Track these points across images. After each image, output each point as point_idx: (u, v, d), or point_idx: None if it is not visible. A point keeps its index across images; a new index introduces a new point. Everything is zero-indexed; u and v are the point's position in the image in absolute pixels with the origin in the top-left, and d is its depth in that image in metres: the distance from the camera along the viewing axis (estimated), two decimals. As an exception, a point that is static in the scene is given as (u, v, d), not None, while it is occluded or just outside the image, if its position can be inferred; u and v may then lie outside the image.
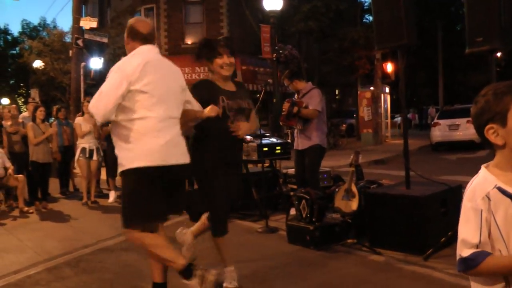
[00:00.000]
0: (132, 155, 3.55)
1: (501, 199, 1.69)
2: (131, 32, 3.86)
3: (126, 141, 3.58)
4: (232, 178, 4.35)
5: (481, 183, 1.76)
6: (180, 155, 3.73)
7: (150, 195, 3.56)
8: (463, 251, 1.71)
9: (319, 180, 7.23)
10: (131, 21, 3.96)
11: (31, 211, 9.12)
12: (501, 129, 1.73)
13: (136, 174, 3.53)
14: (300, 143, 6.94)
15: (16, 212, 9.15)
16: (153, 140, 3.55)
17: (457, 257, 1.75)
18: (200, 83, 4.41)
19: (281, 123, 7.15)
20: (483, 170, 1.83)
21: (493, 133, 1.75)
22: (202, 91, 4.24)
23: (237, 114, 4.26)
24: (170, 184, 3.71)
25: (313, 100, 6.83)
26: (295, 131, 7.06)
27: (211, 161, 4.20)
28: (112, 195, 9.98)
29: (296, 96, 7.07)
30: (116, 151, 3.67)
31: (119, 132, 3.64)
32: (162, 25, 26.17)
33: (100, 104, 3.49)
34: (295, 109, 6.66)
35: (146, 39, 3.84)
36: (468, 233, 1.71)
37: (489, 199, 1.70)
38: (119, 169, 3.64)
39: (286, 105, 6.75)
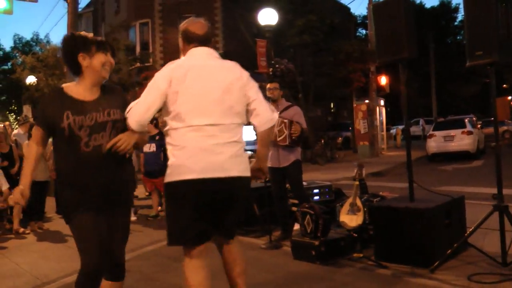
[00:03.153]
0: (168, 168, 3.35)
1: None
2: (185, 36, 3.55)
3: (171, 154, 3.39)
4: (113, 218, 3.41)
5: None
6: (221, 168, 3.26)
7: (179, 213, 3.30)
8: None
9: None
10: (184, 24, 3.61)
11: (27, 232, 8.86)
12: None
13: (168, 190, 3.36)
14: (282, 160, 6.70)
15: (10, 234, 8.83)
16: (180, 153, 3.27)
17: None
18: (46, 97, 3.51)
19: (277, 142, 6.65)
20: None
21: None
22: (46, 109, 3.33)
23: (93, 132, 3.26)
24: (214, 202, 3.32)
25: (301, 118, 6.78)
26: (272, 150, 6.66)
27: (66, 200, 3.34)
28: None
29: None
30: None
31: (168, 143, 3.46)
32: (157, 40, 26.32)
33: (134, 111, 3.32)
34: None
35: (203, 41, 3.53)
36: None
37: None
38: None
39: (297, 127, 6.50)
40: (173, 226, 3.36)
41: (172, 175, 3.30)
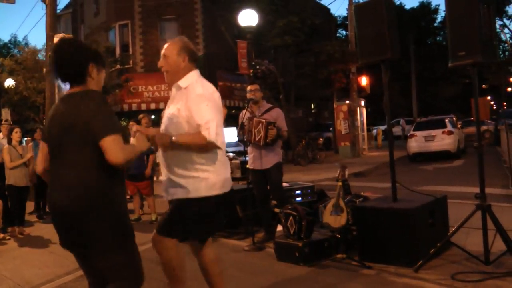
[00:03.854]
0: (209, 183, 3.58)
1: None
2: (193, 54, 3.77)
3: (199, 170, 3.57)
4: None
5: None
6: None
7: (209, 220, 3.64)
8: None
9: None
10: (185, 41, 3.81)
11: (7, 237, 8.66)
12: None
13: (211, 201, 3.58)
14: (264, 163, 6.72)
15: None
16: (224, 167, 3.70)
17: None
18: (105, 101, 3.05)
19: (250, 142, 6.68)
20: None
21: None
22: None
23: None
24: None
25: (283, 121, 6.81)
26: (254, 152, 6.81)
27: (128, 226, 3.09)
28: None
29: (254, 109, 6.89)
30: (180, 178, 3.61)
31: (190, 159, 3.57)
32: (137, 42, 26.13)
33: (221, 133, 3.54)
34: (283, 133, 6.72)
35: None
36: None
37: None
38: (184, 195, 3.58)
39: (273, 131, 6.47)
40: (193, 229, 3.65)
41: (224, 187, 3.66)
